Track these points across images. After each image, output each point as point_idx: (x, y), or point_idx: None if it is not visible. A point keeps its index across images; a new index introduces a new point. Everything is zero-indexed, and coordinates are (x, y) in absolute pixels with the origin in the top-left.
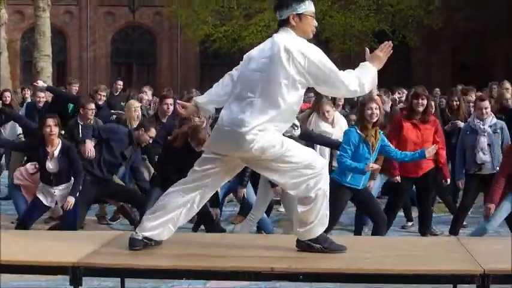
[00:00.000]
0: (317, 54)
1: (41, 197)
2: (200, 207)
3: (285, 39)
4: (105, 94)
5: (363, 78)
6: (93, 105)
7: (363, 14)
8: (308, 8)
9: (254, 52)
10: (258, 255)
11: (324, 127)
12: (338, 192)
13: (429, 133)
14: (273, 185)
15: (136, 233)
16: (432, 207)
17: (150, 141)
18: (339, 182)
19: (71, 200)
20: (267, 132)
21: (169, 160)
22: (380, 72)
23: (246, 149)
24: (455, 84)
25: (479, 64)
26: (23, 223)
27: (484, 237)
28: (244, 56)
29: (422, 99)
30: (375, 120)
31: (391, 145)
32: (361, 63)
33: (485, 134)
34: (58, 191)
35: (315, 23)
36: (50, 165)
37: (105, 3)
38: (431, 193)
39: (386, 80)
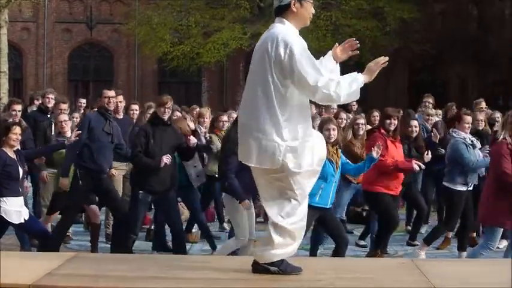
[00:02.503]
0: (299, 48)
1: (7, 215)
2: None
3: (277, 32)
4: (53, 97)
5: (345, 86)
6: (66, 105)
7: (321, 34)
8: None
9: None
10: (215, 277)
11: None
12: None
13: (401, 151)
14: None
15: None
16: None
17: None
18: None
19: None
20: (283, 143)
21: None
22: None
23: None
24: (411, 105)
25: (434, 86)
26: None
27: (440, 258)
28: None
29: (394, 119)
30: (333, 140)
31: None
32: (353, 74)
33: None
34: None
35: (313, 11)
36: (21, 171)
37: (62, 19)
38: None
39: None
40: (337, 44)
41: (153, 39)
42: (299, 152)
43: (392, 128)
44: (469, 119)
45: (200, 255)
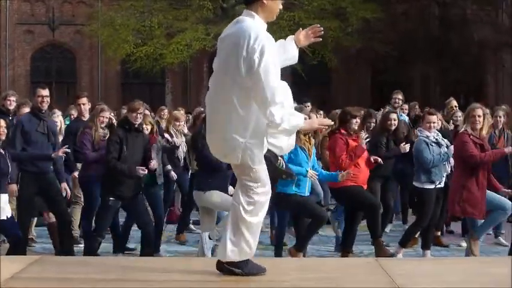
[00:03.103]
0: (270, 50)
1: None
2: None
3: (248, 27)
4: (14, 99)
5: (289, 120)
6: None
7: (284, 34)
8: None
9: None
10: (179, 279)
11: None
12: (290, 202)
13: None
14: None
15: None
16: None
17: None
18: (286, 194)
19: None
20: (246, 140)
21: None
22: (303, 90)
23: (228, 153)
24: (374, 105)
25: (397, 86)
26: None
27: (405, 258)
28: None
29: (356, 118)
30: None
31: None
32: (301, 116)
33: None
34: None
35: (281, 6)
36: (10, 167)
37: (24, 21)
38: (361, 212)
39: (307, 98)
40: (300, 28)
41: (116, 41)
42: (259, 150)
43: (355, 127)
44: (430, 118)
45: (166, 257)
